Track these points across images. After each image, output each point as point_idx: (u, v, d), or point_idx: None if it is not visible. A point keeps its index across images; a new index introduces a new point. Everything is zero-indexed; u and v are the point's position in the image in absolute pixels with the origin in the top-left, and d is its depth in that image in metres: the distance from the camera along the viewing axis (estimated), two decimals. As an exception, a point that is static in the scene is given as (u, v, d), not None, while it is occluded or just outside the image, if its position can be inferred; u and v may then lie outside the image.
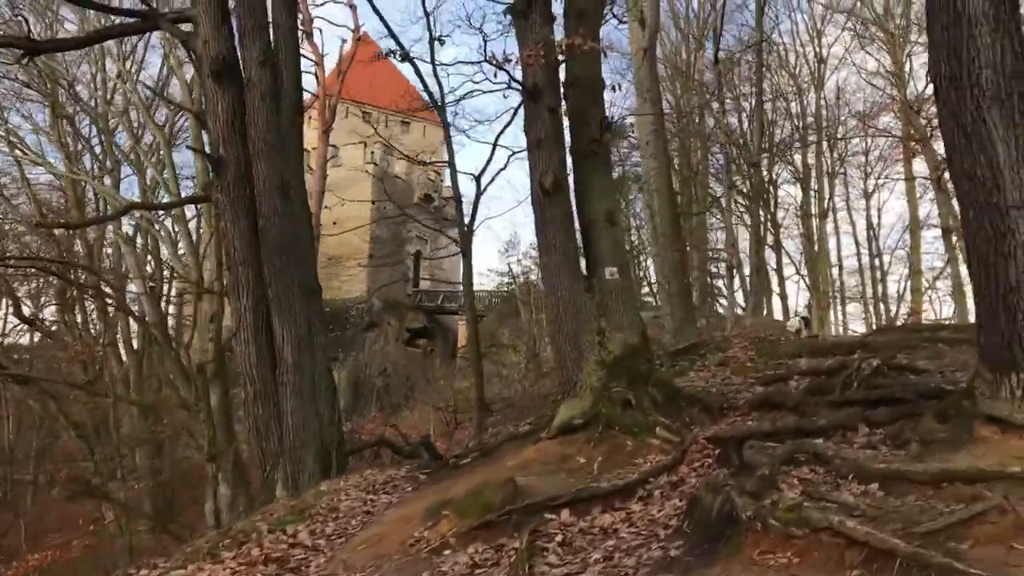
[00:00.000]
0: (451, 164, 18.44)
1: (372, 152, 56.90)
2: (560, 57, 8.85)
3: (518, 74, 9.35)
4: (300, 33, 18.56)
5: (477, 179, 18.40)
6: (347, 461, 10.28)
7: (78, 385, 22.33)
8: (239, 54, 10.52)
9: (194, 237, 24.92)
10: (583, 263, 9.17)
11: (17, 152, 26.52)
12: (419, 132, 60.23)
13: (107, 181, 27.53)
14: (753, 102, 25.51)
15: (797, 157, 35.18)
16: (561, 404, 8.53)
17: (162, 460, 26.13)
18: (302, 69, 11.56)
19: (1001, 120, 5.79)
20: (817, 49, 34.66)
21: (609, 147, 9.18)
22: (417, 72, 18.73)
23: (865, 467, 5.34)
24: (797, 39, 37.25)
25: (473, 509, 6.41)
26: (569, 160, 9.20)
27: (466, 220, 18.24)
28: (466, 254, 17.12)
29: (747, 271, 25.21)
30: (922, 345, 12.34)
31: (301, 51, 12.19)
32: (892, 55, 27.78)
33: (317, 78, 32.51)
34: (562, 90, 9.33)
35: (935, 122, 27.04)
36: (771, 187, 38.34)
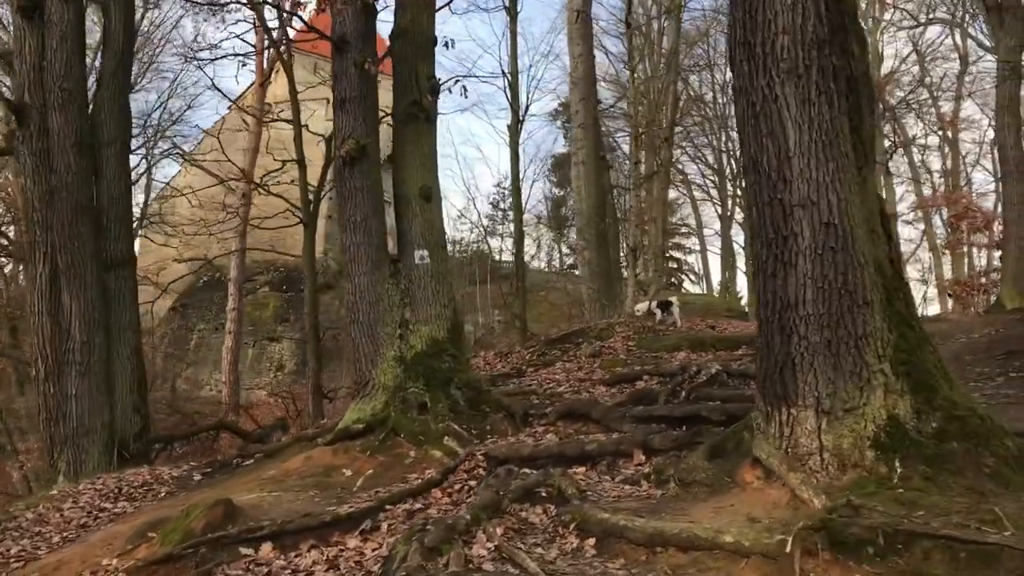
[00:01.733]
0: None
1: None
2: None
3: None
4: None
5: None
6: (149, 451, 9.26)
7: None
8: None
9: None
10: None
11: None
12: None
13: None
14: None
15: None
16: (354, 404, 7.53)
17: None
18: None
19: (795, 98, 4.75)
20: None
21: (435, 111, 8.06)
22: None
23: (589, 517, 4.37)
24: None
25: (175, 535, 5.41)
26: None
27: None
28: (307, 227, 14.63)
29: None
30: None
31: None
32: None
33: (255, 27, 30.87)
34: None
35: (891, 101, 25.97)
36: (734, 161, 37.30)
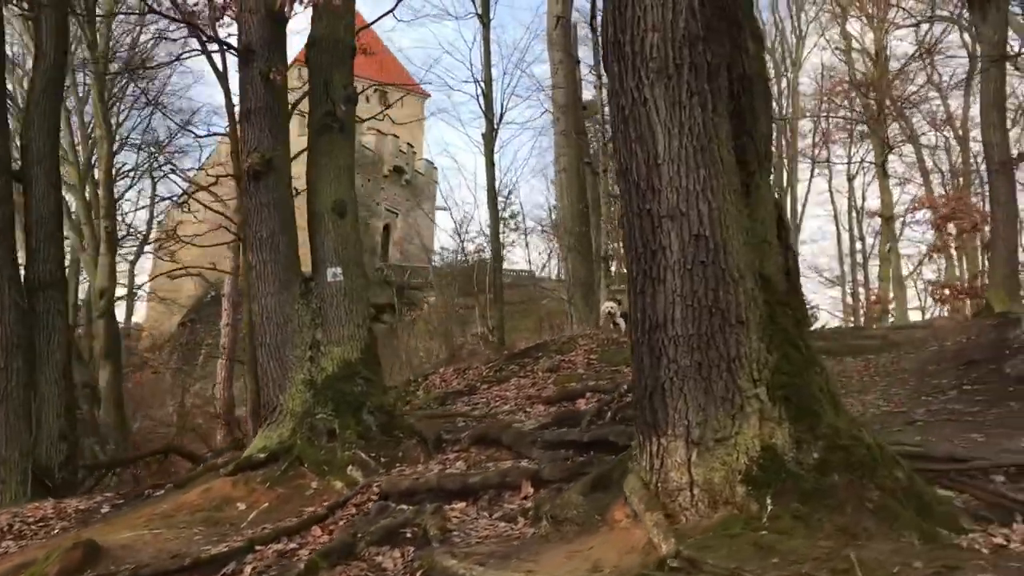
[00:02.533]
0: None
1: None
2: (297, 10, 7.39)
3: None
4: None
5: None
6: (75, 481, 8.97)
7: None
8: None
9: None
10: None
11: None
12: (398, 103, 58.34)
13: None
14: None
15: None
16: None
17: None
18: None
19: (665, 100, 4.36)
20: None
21: (352, 122, 7.73)
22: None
23: (436, 564, 3.98)
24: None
25: (32, 580, 5.10)
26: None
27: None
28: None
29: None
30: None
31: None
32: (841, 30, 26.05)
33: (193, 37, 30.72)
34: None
35: (886, 102, 25.42)
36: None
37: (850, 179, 29.50)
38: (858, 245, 32.67)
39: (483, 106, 17.35)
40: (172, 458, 11.46)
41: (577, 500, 4.51)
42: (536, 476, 5.18)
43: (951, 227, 18.07)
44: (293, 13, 7.24)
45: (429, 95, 52.40)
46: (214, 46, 11.85)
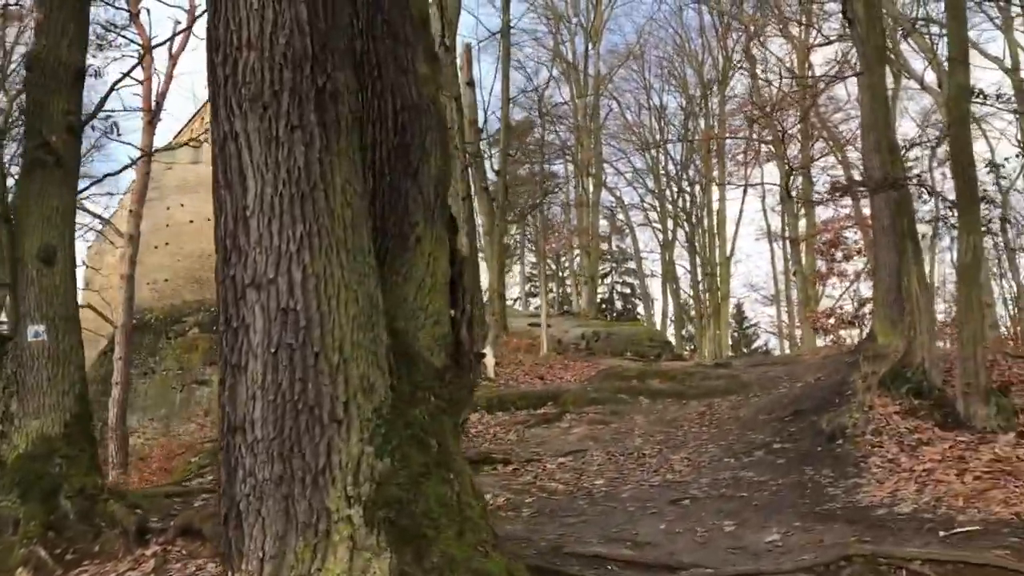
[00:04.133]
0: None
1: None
2: None
3: None
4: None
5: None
6: None
7: None
8: None
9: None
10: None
11: None
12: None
13: None
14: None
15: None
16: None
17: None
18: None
19: (260, 135, 3.42)
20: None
21: (73, 154, 6.69)
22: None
23: None
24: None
25: None
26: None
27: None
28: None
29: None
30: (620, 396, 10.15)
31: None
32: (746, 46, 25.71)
33: (141, 63, 29.46)
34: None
35: (788, 123, 25.11)
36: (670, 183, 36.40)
37: (760, 198, 29.07)
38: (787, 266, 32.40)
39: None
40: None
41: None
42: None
43: (837, 253, 17.63)
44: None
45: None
46: None
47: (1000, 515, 4.36)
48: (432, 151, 4.10)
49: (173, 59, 29.70)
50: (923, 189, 8.54)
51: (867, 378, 8.21)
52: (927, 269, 14.54)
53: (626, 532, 4.71)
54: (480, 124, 19.94)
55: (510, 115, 32.00)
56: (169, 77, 28.93)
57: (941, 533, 4.12)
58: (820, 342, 19.36)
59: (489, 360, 11.99)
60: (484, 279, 17.00)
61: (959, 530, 4.07)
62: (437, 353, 3.80)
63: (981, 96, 7.72)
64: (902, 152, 10.29)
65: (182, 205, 49.24)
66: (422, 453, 3.41)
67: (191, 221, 46.57)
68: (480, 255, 17.70)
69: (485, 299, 15.61)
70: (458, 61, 21.45)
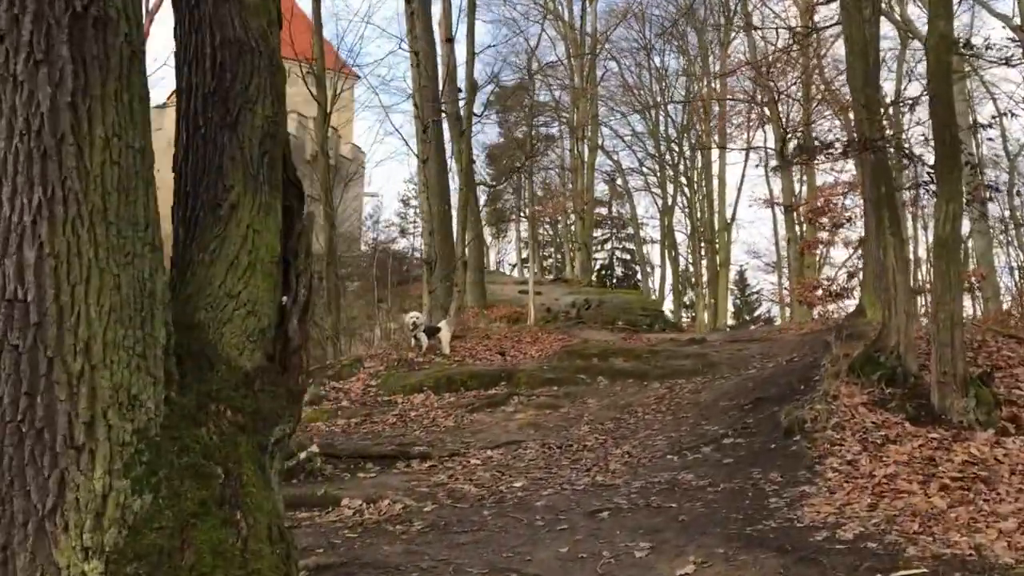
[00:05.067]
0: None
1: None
2: None
3: None
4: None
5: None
6: None
7: None
8: None
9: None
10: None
11: None
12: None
13: None
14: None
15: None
16: None
17: None
18: None
19: None
20: None
21: None
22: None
23: None
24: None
25: None
26: None
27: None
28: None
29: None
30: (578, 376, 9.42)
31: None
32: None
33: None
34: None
35: (786, 83, 24.04)
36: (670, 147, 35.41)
37: (757, 166, 28.03)
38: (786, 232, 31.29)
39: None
40: None
41: None
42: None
43: (824, 220, 16.70)
44: None
45: (359, 76, 50.31)
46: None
47: (957, 547, 3.60)
48: (258, 98, 3.28)
49: (150, 15, 28.76)
50: (901, 152, 7.64)
51: (836, 362, 7.45)
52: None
53: (518, 558, 3.96)
54: (460, 83, 18.98)
55: (499, 75, 31.04)
56: (144, 35, 27.80)
57: (877, 576, 3.37)
58: (815, 314, 18.55)
59: (445, 335, 11.19)
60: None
61: (902, 574, 3.31)
62: (248, 352, 3.02)
63: (967, 47, 6.82)
64: (883, 111, 9.36)
65: (158, 171, 48.48)
66: (201, 487, 2.65)
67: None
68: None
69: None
70: (436, 16, 20.50)
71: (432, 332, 11.12)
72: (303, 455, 5.63)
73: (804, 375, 7.72)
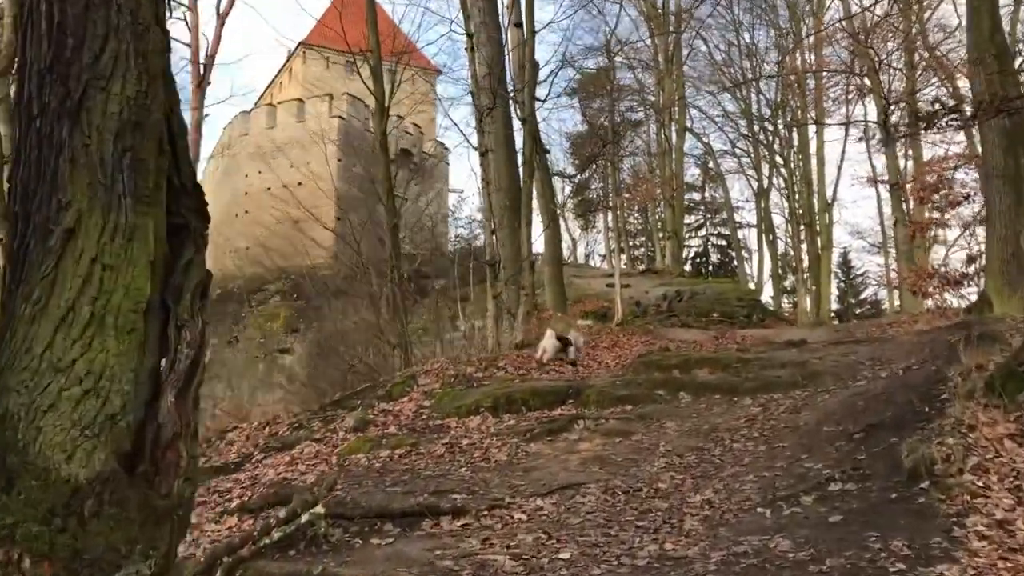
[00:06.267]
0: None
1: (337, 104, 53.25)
2: None
3: None
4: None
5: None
6: None
7: None
8: None
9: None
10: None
11: None
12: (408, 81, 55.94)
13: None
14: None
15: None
16: None
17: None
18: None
19: None
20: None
21: None
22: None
23: None
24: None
25: None
26: None
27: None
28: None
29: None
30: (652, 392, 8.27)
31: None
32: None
33: (188, 24, 28.52)
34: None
35: (888, 51, 21.97)
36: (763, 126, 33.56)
37: (859, 140, 25.81)
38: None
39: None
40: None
41: None
42: None
43: (936, 198, 14.79)
44: None
45: (440, 71, 49.98)
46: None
47: None
48: (114, 71, 2.29)
49: (221, 19, 28.78)
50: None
51: (968, 376, 6.05)
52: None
53: None
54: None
55: (574, 59, 29.74)
56: (217, 39, 27.98)
57: None
58: (929, 303, 16.62)
59: (574, 350, 10.12)
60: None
61: None
62: (83, 454, 2.05)
63: None
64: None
65: (260, 172, 49.19)
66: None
67: (268, 188, 46.46)
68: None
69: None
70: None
71: (565, 344, 10.12)
72: (305, 518, 4.71)
73: (927, 391, 6.34)
